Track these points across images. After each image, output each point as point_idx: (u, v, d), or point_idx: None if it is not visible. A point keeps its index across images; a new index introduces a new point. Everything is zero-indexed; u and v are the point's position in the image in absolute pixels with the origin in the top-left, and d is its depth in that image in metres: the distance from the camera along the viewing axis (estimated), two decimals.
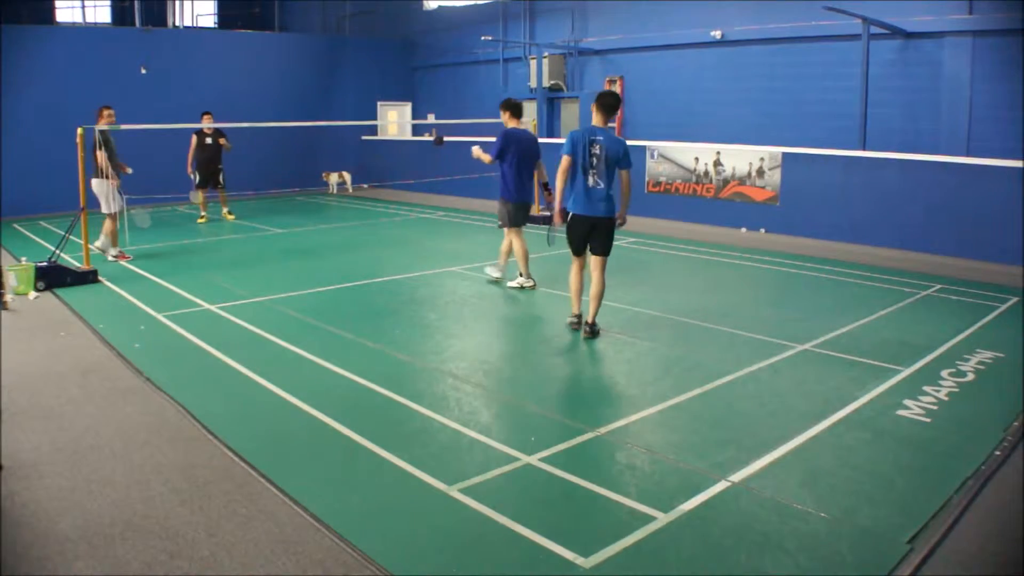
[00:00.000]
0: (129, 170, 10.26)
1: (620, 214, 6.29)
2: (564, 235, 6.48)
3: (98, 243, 9.75)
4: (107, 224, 9.80)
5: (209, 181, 13.20)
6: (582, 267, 6.50)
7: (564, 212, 6.29)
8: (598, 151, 6.08)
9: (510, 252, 8.25)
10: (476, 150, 8.23)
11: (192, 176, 13.11)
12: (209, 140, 13.02)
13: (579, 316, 6.52)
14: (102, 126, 9.54)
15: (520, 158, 7.98)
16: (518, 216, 8.10)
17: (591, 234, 6.24)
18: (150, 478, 3.88)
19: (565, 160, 6.16)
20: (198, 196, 13.25)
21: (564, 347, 6.17)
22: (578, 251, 6.39)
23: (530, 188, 8.29)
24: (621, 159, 6.14)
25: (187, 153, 13.10)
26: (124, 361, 5.78)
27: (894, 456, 4.15)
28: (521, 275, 8.23)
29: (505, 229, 8.17)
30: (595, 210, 6.15)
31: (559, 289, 8.11)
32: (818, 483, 3.81)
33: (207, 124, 12.90)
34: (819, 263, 9.56)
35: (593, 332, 6.33)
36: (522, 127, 8.17)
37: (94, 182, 9.59)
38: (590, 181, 6.12)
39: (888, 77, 12.13)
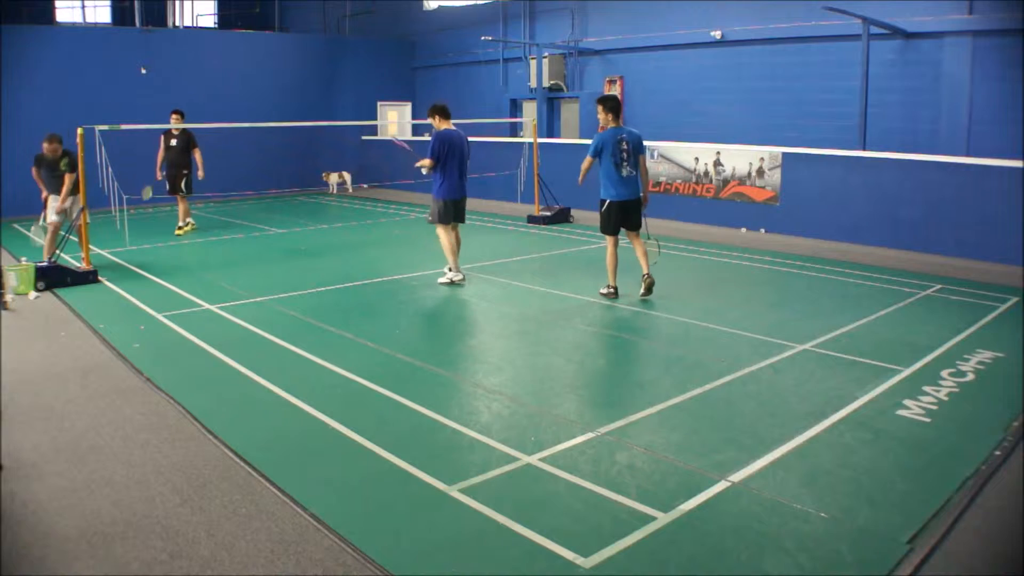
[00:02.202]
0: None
1: (645, 197, 7.60)
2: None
3: (42, 238, 9.16)
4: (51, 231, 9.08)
5: (174, 186, 11.91)
6: (616, 245, 7.60)
7: (601, 201, 7.49)
8: (626, 146, 7.34)
9: (458, 245, 8.46)
10: (424, 163, 8.24)
11: (161, 181, 11.98)
12: (175, 142, 11.84)
13: (616, 288, 7.60)
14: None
15: (454, 158, 8.19)
16: (447, 214, 8.29)
17: (627, 214, 7.46)
18: (150, 478, 3.88)
19: (588, 161, 7.55)
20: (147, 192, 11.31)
21: (564, 347, 6.17)
22: (614, 231, 7.54)
23: (463, 185, 8.39)
24: (640, 147, 7.47)
25: (156, 155, 11.97)
26: (124, 361, 5.78)
27: (894, 456, 4.15)
28: (450, 270, 8.37)
29: (437, 226, 8.34)
30: (630, 195, 7.46)
31: (559, 289, 8.11)
32: (818, 483, 3.80)
33: (174, 124, 11.77)
34: (819, 263, 9.56)
35: (652, 280, 7.48)
36: (452, 128, 8.30)
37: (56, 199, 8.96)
38: (624, 172, 7.37)
39: (888, 77, 12.14)
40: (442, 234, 8.33)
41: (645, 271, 7.51)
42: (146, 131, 12.09)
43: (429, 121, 8.40)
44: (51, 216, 9.09)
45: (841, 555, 3.19)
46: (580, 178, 7.85)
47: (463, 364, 5.98)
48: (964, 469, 3.95)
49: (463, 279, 8.36)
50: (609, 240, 7.58)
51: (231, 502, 3.63)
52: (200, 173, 11.86)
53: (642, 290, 7.46)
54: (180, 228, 12.26)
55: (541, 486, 3.79)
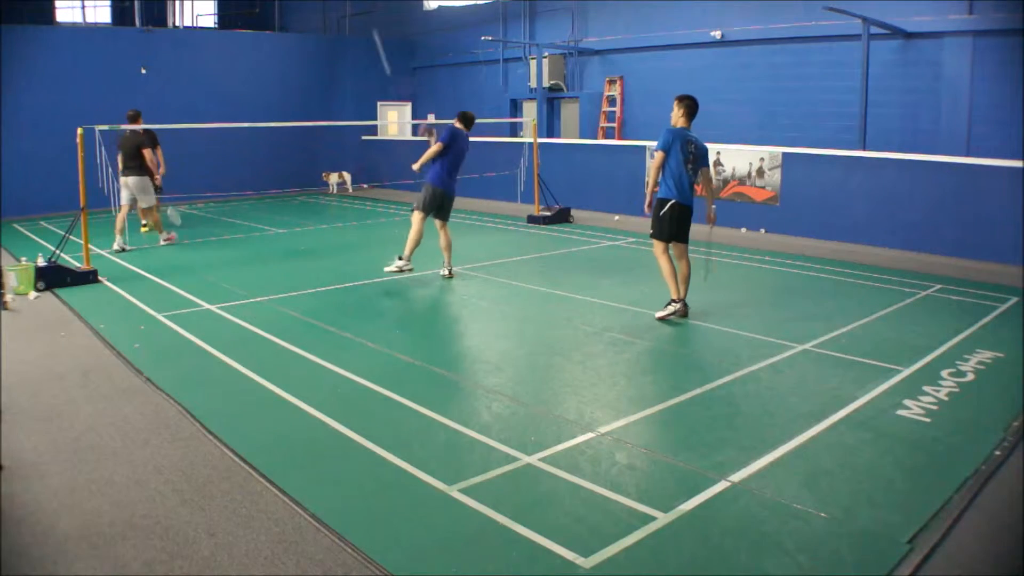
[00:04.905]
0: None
1: (712, 212, 7.09)
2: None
3: (116, 244, 10.56)
4: (153, 215, 10.92)
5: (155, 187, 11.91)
6: (668, 252, 6.98)
7: (663, 202, 6.85)
8: (693, 149, 6.84)
9: (449, 245, 8.62)
10: (435, 149, 8.39)
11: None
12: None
13: (683, 300, 6.93)
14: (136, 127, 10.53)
15: (455, 155, 8.44)
16: (433, 203, 8.44)
17: (683, 221, 6.89)
18: (150, 478, 3.88)
19: (660, 156, 6.79)
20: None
21: (564, 347, 6.17)
22: (669, 237, 6.92)
23: (454, 185, 8.59)
24: (706, 158, 6.95)
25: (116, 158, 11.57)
26: (124, 361, 5.78)
27: (894, 456, 4.15)
28: (401, 259, 8.42)
29: (416, 214, 8.45)
30: (689, 200, 6.87)
31: (559, 289, 8.11)
32: (818, 483, 3.80)
33: (139, 126, 11.12)
34: (819, 263, 9.56)
35: (687, 310, 6.95)
36: (464, 131, 8.61)
37: (139, 180, 10.47)
38: (689, 173, 6.83)
39: (888, 77, 12.14)
40: (416, 223, 8.43)
41: (682, 295, 6.93)
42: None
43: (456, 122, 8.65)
44: (148, 200, 10.69)
45: (841, 555, 3.19)
46: (652, 181, 6.88)
47: (463, 364, 5.98)
48: (964, 469, 3.95)
49: (412, 270, 8.48)
50: (660, 248, 6.92)
51: (231, 502, 3.63)
52: (162, 170, 11.91)
53: (680, 310, 6.93)
54: (145, 226, 12.15)
55: (541, 486, 3.79)
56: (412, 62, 21.36)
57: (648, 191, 6.94)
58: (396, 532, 3.37)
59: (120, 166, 10.57)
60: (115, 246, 10.56)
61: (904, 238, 10.37)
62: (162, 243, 11.11)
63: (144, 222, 12.06)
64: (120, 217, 10.62)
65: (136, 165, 10.49)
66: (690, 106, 6.93)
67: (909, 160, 10.50)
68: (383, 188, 18.54)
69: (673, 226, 6.89)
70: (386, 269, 8.48)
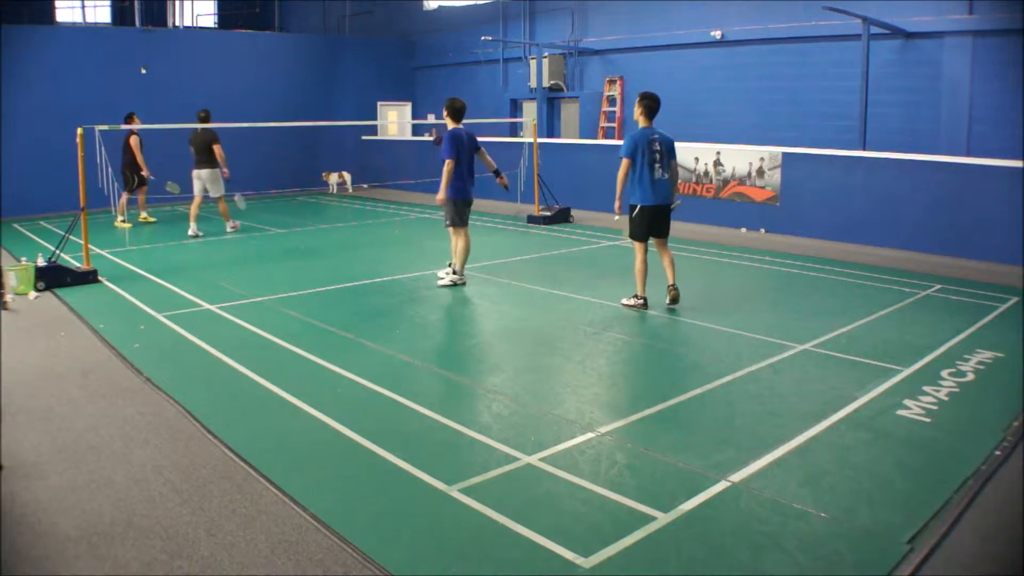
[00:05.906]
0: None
1: (673, 202, 7.24)
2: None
3: (230, 225, 12.24)
4: (221, 205, 12.01)
5: (144, 183, 12.95)
6: (646, 252, 7.20)
7: (632, 207, 7.10)
8: (659, 147, 6.99)
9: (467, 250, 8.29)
10: (446, 171, 8.02)
11: (146, 177, 12.81)
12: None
13: (645, 299, 7.20)
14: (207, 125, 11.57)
15: (465, 158, 8.15)
16: (466, 214, 8.27)
17: (657, 220, 7.10)
18: (150, 478, 3.88)
19: (626, 163, 7.00)
20: (141, 198, 13.31)
21: (564, 347, 6.17)
22: (645, 238, 7.16)
23: (472, 185, 8.34)
24: (672, 151, 7.12)
25: (141, 154, 12.56)
26: (124, 361, 5.78)
27: (894, 456, 4.15)
28: (455, 272, 8.27)
29: (452, 229, 8.23)
30: (662, 199, 7.09)
31: (559, 289, 8.11)
32: (818, 483, 3.80)
33: (137, 126, 12.00)
34: (819, 263, 9.56)
35: (678, 293, 7.17)
36: (460, 127, 8.20)
37: (211, 172, 11.66)
38: (656, 174, 7.01)
39: (888, 77, 12.14)
40: (463, 237, 8.18)
41: (671, 282, 7.16)
42: (146, 131, 12.11)
43: (445, 118, 8.24)
44: (220, 190, 11.83)
45: (841, 555, 3.19)
46: (619, 188, 7.05)
47: (463, 364, 5.98)
48: (964, 469, 3.95)
49: (464, 283, 8.31)
50: (639, 247, 7.17)
51: (231, 502, 3.63)
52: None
53: (667, 300, 7.14)
54: (126, 222, 12.94)
55: (541, 486, 3.79)
56: (412, 62, 21.36)
57: (617, 196, 7.10)
58: (396, 532, 3.38)
59: (194, 160, 11.71)
60: (190, 232, 11.74)
61: (904, 238, 10.37)
62: (228, 231, 12.15)
63: (122, 217, 12.79)
64: (194, 205, 11.88)
65: (207, 159, 11.58)
66: (649, 105, 7.06)
67: (909, 160, 10.49)
68: (383, 188, 18.53)
69: (652, 226, 7.12)
70: (439, 284, 8.22)
